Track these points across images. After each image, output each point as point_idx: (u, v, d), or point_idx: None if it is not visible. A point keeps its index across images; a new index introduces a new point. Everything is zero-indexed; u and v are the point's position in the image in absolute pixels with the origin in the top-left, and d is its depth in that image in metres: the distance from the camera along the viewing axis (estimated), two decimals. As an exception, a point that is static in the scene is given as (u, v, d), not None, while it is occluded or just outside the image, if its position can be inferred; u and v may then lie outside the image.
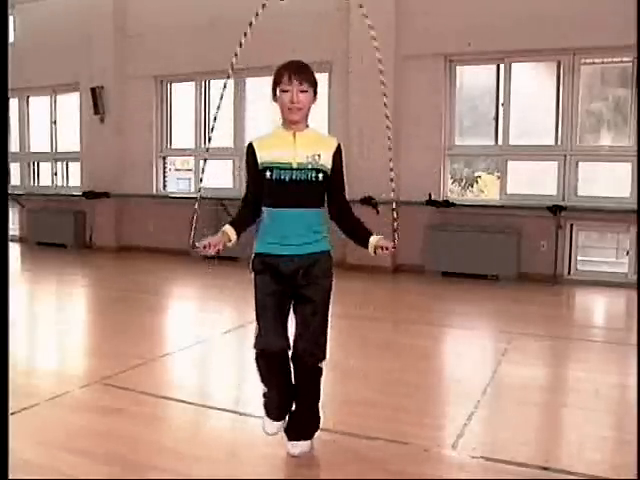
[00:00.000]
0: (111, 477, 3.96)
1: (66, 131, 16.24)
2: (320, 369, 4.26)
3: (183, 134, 14.94)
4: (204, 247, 4.15)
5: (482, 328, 8.60)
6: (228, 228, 4.25)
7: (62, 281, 11.74)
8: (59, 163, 16.59)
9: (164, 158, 15.11)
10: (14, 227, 16.34)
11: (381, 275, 11.23)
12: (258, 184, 4.22)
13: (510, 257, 11.21)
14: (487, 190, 12.63)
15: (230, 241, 4.22)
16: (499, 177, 12.00)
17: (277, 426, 4.42)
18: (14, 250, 14.98)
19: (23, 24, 16.13)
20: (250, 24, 4.54)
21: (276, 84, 4.20)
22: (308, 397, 4.35)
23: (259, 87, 14.02)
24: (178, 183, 15.79)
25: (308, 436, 4.41)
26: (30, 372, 6.06)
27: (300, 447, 4.36)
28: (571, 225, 11.23)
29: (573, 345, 7.63)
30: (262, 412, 4.45)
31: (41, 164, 16.98)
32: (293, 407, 4.38)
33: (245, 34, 4.52)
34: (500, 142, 11.84)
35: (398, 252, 11.22)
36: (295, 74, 4.14)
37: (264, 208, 4.25)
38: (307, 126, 4.26)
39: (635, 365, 6.73)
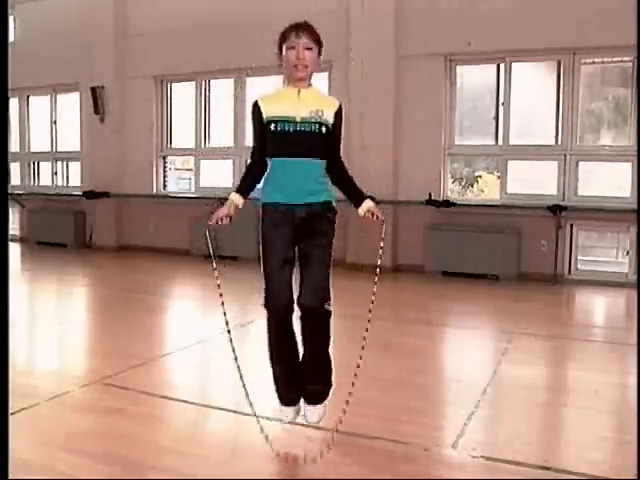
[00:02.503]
0: (111, 477, 3.97)
1: (66, 131, 16.25)
2: (327, 311, 4.36)
3: (183, 134, 14.94)
4: (217, 222, 4.36)
5: (482, 328, 8.60)
6: (233, 195, 4.43)
7: (62, 281, 11.74)
8: (59, 163, 16.60)
9: (164, 158, 15.12)
10: (14, 227, 16.35)
11: (381, 274, 11.18)
12: (264, 139, 4.38)
13: (510, 257, 11.22)
14: (487, 190, 12.63)
15: (238, 207, 4.39)
16: (499, 177, 12.01)
17: (293, 411, 4.60)
18: (14, 250, 14.99)
19: (23, 24, 16.14)
20: None
21: (282, 42, 4.34)
22: (318, 342, 4.47)
23: (260, 87, 14.03)
24: (178, 183, 15.77)
25: (322, 394, 4.56)
26: (30, 372, 6.07)
27: (316, 413, 4.55)
28: (571, 225, 11.24)
29: (573, 345, 7.63)
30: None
31: (41, 164, 16.99)
32: (303, 357, 4.51)
33: None
34: (500, 142, 11.85)
35: (398, 251, 11.21)
36: (301, 31, 4.31)
37: (269, 160, 4.40)
38: (310, 85, 4.41)
39: (635, 365, 6.75)
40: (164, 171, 15.13)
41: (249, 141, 13.57)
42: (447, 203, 11.80)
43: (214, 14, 13.41)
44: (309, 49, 4.28)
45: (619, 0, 10.19)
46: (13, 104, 16.60)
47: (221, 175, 14.74)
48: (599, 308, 10.44)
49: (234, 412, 5.14)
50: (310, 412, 4.57)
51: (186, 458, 4.27)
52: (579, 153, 11.32)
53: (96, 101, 14.74)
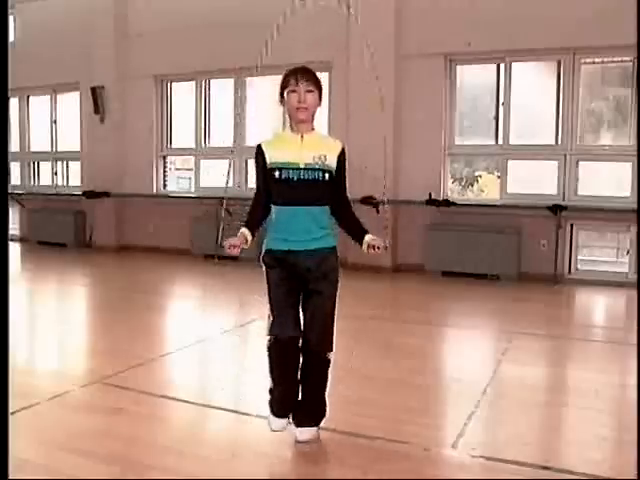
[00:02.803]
0: (111, 477, 3.97)
1: (66, 131, 16.25)
2: (328, 360, 4.47)
3: (183, 134, 14.94)
4: (229, 247, 4.32)
5: (482, 327, 8.59)
6: (244, 230, 4.42)
7: (62, 280, 11.76)
8: (59, 163, 16.60)
9: (164, 157, 15.12)
10: (14, 226, 16.36)
11: (381, 275, 11.24)
12: (267, 183, 4.43)
13: (510, 256, 11.22)
14: (487, 189, 12.62)
15: (247, 242, 4.39)
16: (499, 176, 12.00)
17: (282, 423, 4.57)
18: (14, 249, 15.00)
19: (23, 24, 16.15)
20: (277, 26, 4.76)
21: (284, 87, 4.41)
22: (316, 386, 4.53)
23: (260, 87, 14.04)
24: (178, 182, 15.78)
25: (315, 423, 4.59)
26: (30, 372, 6.07)
27: (307, 433, 4.54)
28: (571, 224, 11.24)
29: (573, 345, 7.64)
30: (267, 410, 4.59)
31: (41, 164, 17.00)
32: (300, 397, 4.53)
33: (272, 36, 4.69)
34: (500, 141, 11.84)
35: (398, 251, 11.25)
36: (301, 76, 4.35)
37: (273, 206, 4.45)
38: (313, 129, 4.48)
39: (635, 365, 6.75)
40: (164, 171, 15.13)
41: (249, 141, 13.63)
42: (447, 203, 11.80)
43: (214, 14, 13.41)
44: (310, 92, 4.36)
45: (619, 0, 10.19)
46: (13, 104, 16.61)
47: (222, 174, 14.75)
48: (599, 308, 10.44)
49: (234, 412, 5.15)
50: (301, 431, 4.57)
51: (186, 458, 4.27)
52: (579, 153, 11.31)
53: (96, 101, 14.74)
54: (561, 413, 5.42)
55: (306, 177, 4.34)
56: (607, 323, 9.43)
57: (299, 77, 4.35)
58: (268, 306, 4.45)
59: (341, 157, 4.47)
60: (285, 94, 4.40)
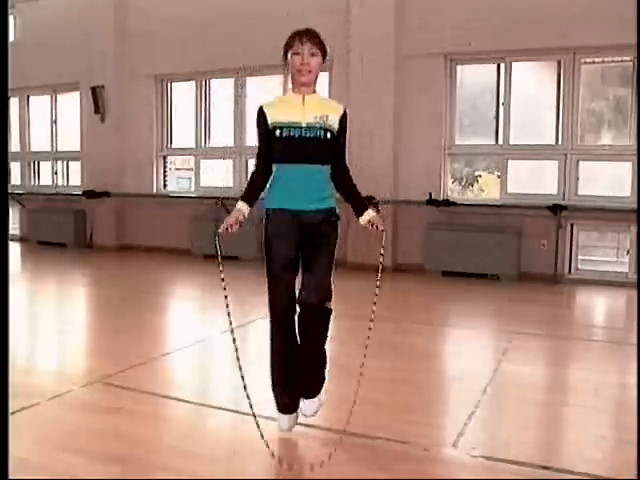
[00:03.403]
0: (111, 476, 3.97)
1: (66, 130, 16.25)
2: (327, 309, 4.45)
3: (183, 133, 14.94)
4: (227, 230, 4.39)
5: (482, 327, 8.61)
6: (240, 205, 4.47)
7: (62, 280, 11.75)
8: (59, 162, 16.62)
9: (164, 157, 15.13)
10: (15, 226, 16.37)
11: (381, 274, 11.20)
12: (269, 145, 4.45)
13: (510, 256, 11.23)
14: (487, 189, 12.63)
15: (244, 216, 4.45)
16: (499, 176, 12.01)
17: (290, 419, 4.65)
18: (15, 249, 15.00)
19: (23, 24, 16.15)
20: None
21: (287, 48, 4.41)
22: (316, 337, 4.53)
23: (260, 86, 14.04)
24: (178, 182, 15.78)
25: (317, 387, 4.65)
26: (31, 371, 6.08)
27: (311, 406, 4.64)
28: (571, 224, 11.25)
29: (573, 344, 7.65)
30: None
31: (41, 163, 17.01)
32: (300, 361, 4.58)
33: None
34: (500, 141, 11.86)
35: (398, 251, 11.22)
36: (306, 38, 4.36)
37: (274, 165, 4.46)
38: (315, 91, 4.49)
39: (635, 364, 6.75)
40: (164, 171, 15.14)
41: (249, 141, 13.63)
42: (447, 203, 11.81)
43: (214, 14, 13.43)
44: (313, 55, 4.35)
45: (619, 0, 10.20)
46: (13, 104, 16.61)
47: (221, 174, 14.76)
48: (599, 308, 10.45)
49: (234, 412, 5.14)
50: (305, 405, 4.64)
51: (186, 457, 4.27)
52: (579, 153, 11.32)
53: (96, 101, 14.75)
54: (561, 413, 5.43)
55: (308, 135, 4.36)
56: (607, 323, 9.45)
57: (303, 39, 4.36)
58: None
59: (343, 119, 4.49)
60: (289, 56, 4.40)
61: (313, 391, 4.64)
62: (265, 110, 4.44)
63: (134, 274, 12.56)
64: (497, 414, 5.34)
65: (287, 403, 4.61)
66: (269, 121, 4.41)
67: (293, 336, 4.50)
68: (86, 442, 4.48)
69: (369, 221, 4.48)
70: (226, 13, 13.29)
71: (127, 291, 10.46)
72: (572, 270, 11.35)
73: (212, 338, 7.52)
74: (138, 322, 8.32)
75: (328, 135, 4.38)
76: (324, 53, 4.43)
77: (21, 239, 16.21)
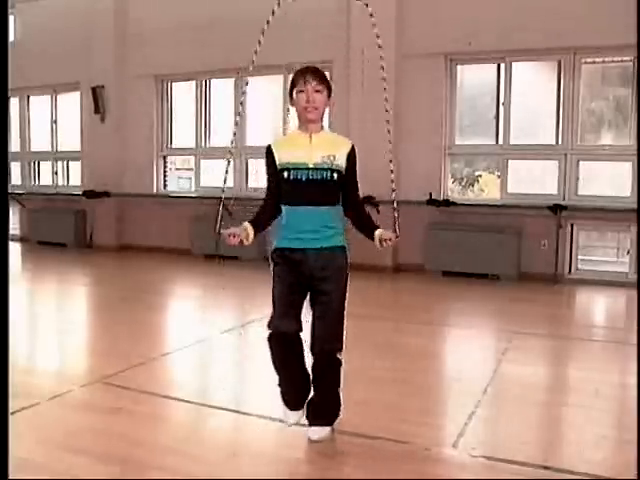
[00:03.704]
0: (111, 476, 3.97)
1: (67, 130, 16.26)
2: (338, 360, 4.48)
3: (183, 133, 14.95)
4: (229, 235, 4.36)
5: (483, 327, 8.62)
6: (248, 226, 4.46)
7: (62, 280, 11.77)
8: (60, 162, 16.63)
9: (164, 157, 15.14)
10: (15, 226, 16.38)
11: (382, 274, 11.25)
12: (277, 184, 4.49)
13: (511, 256, 11.24)
14: (488, 189, 12.64)
15: (247, 237, 4.44)
16: (499, 176, 12.02)
17: (297, 415, 4.65)
18: (15, 249, 15.01)
19: (23, 24, 16.16)
20: (267, 22, 4.79)
21: (293, 87, 4.46)
22: (327, 387, 4.59)
23: (260, 86, 14.03)
24: (178, 182, 15.80)
25: (328, 422, 4.64)
26: (31, 371, 6.09)
27: (319, 433, 4.59)
28: (572, 224, 11.26)
29: (573, 344, 7.66)
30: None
31: (42, 163, 17.03)
32: (312, 395, 4.62)
33: (262, 32, 4.70)
34: (501, 141, 11.87)
35: (398, 251, 11.25)
36: (310, 76, 4.41)
37: (283, 206, 4.50)
38: (322, 127, 4.56)
39: (635, 364, 6.76)
40: (164, 171, 15.15)
41: (249, 141, 13.65)
42: (447, 203, 11.83)
43: (214, 14, 13.43)
44: (318, 92, 4.40)
45: (620, 0, 10.21)
46: (14, 104, 16.63)
47: (221, 174, 14.76)
48: (599, 308, 10.47)
49: (235, 411, 5.16)
50: (313, 430, 4.62)
51: (186, 457, 4.28)
52: (579, 153, 11.33)
53: (96, 101, 14.76)
54: (561, 412, 5.43)
55: (314, 177, 4.39)
56: (607, 323, 9.46)
57: (307, 77, 4.40)
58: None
59: (351, 156, 4.52)
60: (294, 94, 4.45)
61: (322, 422, 4.65)
62: (273, 149, 4.50)
63: (134, 274, 12.58)
64: (497, 414, 5.35)
65: (291, 400, 4.64)
66: (277, 162, 4.46)
67: (289, 352, 4.51)
68: (86, 442, 4.48)
69: (381, 238, 4.45)
70: (225, 13, 13.30)
71: (127, 291, 10.47)
72: (572, 270, 11.36)
73: (212, 338, 7.53)
74: (138, 322, 8.33)
75: (335, 176, 4.42)
76: (329, 89, 4.49)
77: (21, 239, 16.21)
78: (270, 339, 4.43)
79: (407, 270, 11.88)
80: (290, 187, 4.43)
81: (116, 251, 14.93)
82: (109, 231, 15.20)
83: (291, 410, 4.63)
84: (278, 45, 12.59)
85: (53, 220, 15.63)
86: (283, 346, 4.46)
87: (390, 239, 4.41)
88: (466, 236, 11.49)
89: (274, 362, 4.49)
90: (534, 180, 12.13)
